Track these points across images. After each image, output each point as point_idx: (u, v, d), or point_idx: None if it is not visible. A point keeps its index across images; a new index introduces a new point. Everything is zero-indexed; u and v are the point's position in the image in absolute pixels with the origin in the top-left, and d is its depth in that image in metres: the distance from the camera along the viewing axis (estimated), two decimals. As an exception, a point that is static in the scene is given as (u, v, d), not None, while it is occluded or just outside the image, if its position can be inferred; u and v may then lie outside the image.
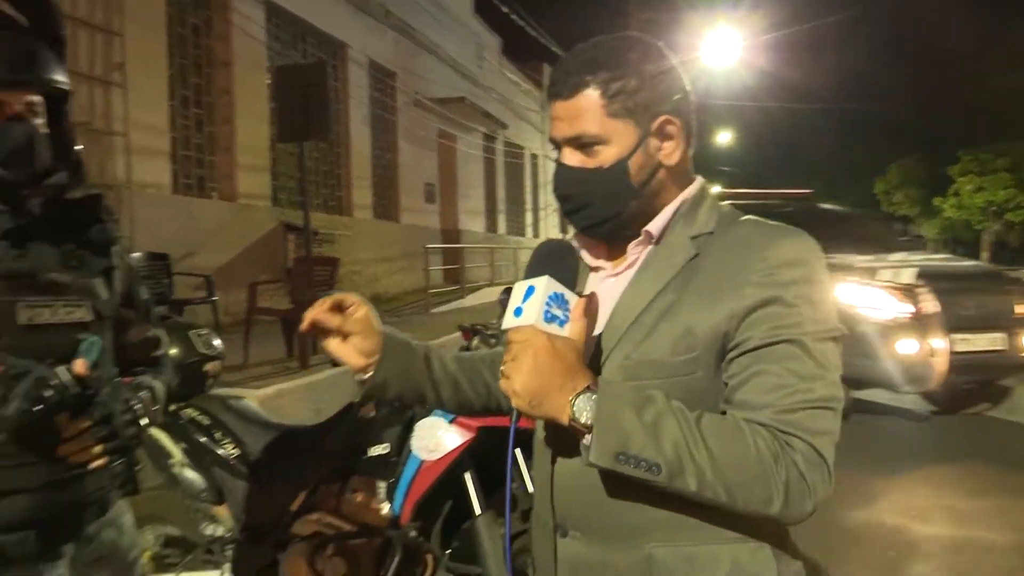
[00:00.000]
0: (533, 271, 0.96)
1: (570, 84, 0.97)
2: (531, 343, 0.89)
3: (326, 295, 1.07)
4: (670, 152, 0.99)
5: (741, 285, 0.92)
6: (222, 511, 2.48)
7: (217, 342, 2.27)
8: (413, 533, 2.27)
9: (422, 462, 2.18)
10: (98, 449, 1.17)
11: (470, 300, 11.88)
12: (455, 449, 2.16)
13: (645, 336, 0.95)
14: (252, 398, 3.67)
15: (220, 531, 2.49)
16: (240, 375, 5.27)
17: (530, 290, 0.93)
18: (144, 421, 1.24)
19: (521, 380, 0.88)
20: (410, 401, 1.19)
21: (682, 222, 1.00)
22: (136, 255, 6.26)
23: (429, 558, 2.31)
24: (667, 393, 0.89)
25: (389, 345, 1.08)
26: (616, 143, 0.97)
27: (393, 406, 2.38)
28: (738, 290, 0.92)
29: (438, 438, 2.20)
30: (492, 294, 12.74)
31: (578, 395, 0.87)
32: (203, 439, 2.49)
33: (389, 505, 2.29)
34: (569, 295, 0.94)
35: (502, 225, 18.13)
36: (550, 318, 0.91)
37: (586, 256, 1.06)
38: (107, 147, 6.40)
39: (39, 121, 1.19)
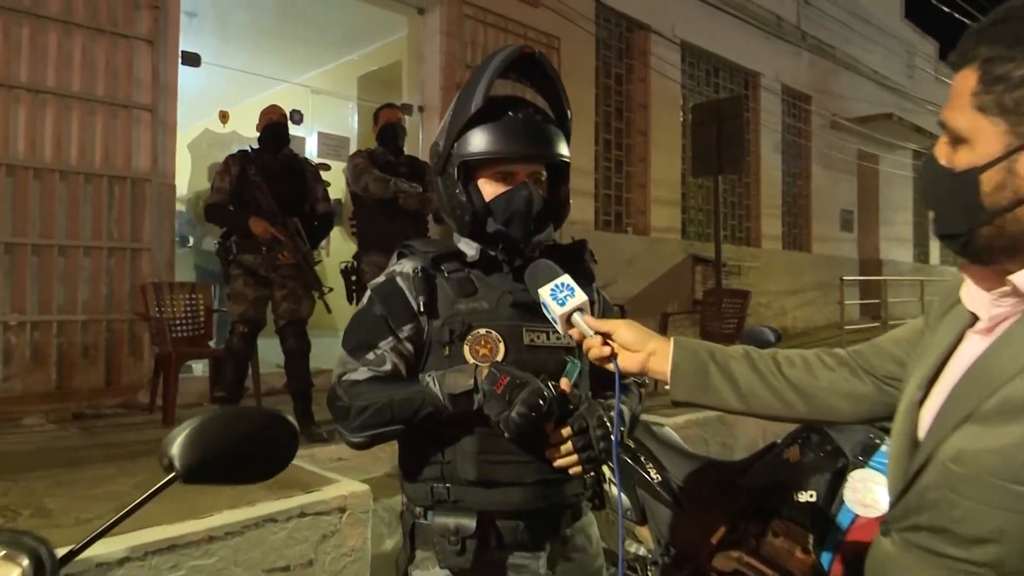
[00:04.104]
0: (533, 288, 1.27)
1: (958, 53, 0.77)
2: None
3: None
4: None
5: None
6: (644, 531, 2.63)
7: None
8: (841, 592, 2.11)
9: (856, 517, 2.02)
10: (576, 457, 1.33)
11: (894, 338, 10.57)
12: (895, 508, 1.96)
13: (985, 431, 0.71)
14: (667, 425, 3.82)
15: (642, 550, 2.65)
16: (651, 401, 5.52)
17: (544, 306, 1.26)
18: (614, 439, 1.38)
19: None
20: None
21: None
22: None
23: (859, 623, 2.12)
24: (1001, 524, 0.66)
25: (677, 347, 1.17)
26: (977, 145, 0.74)
27: (822, 451, 2.25)
28: None
29: (875, 493, 2.01)
30: (921, 333, 11.15)
31: None
32: (629, 460, 2.67)
33: (815, 557, 2.17)
34: (557, 280, 1.25)
35: (935, 254, 15.79)
36: (562, 301, 1.22)
37: (965, 296, 0.83)
38: (544, 190, 7.36)
39: (539, 188, 1.42)
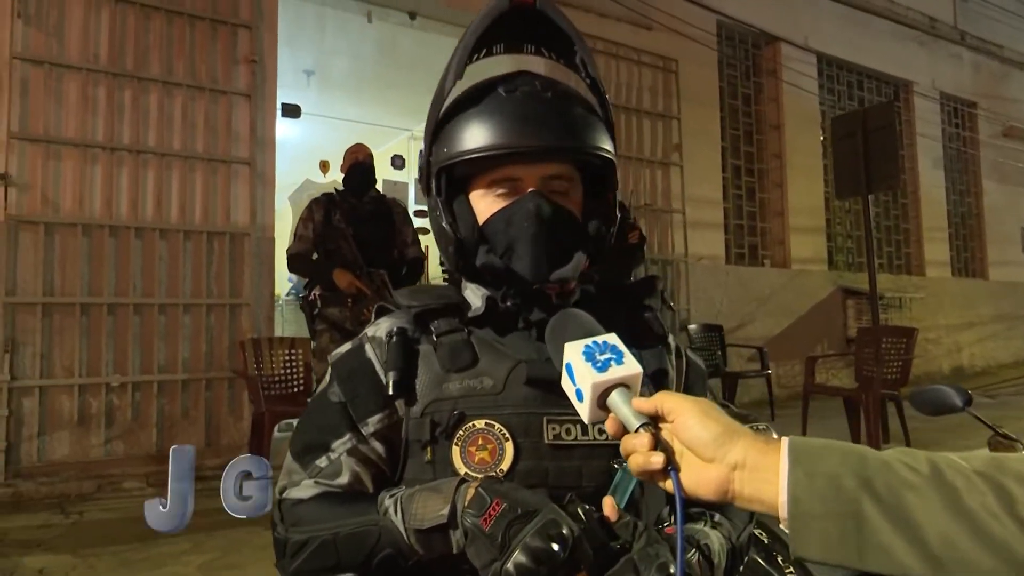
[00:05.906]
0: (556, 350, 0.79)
1: None
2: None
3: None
4: None
5: None
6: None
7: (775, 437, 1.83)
8: None
9: None
10: None
11: (1103, 378, 8.88)
12: None
13: None
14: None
15: None
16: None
17: (568, 368, 0.76)
18: None
19: None
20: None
21: None
22: (692, 327, 6.37)
23: None
24: None
25: (797, 465, 0.63)
26: None
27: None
28: None
29: None
30: None
31: None
32: (760, 560, 2.05)
33: None
34: (599, 337, 0.77)
35: None
36: (602, 366, 0.73)
37: None
38: (667, 224, 6.76)
39: (566, 200, 0.95)
